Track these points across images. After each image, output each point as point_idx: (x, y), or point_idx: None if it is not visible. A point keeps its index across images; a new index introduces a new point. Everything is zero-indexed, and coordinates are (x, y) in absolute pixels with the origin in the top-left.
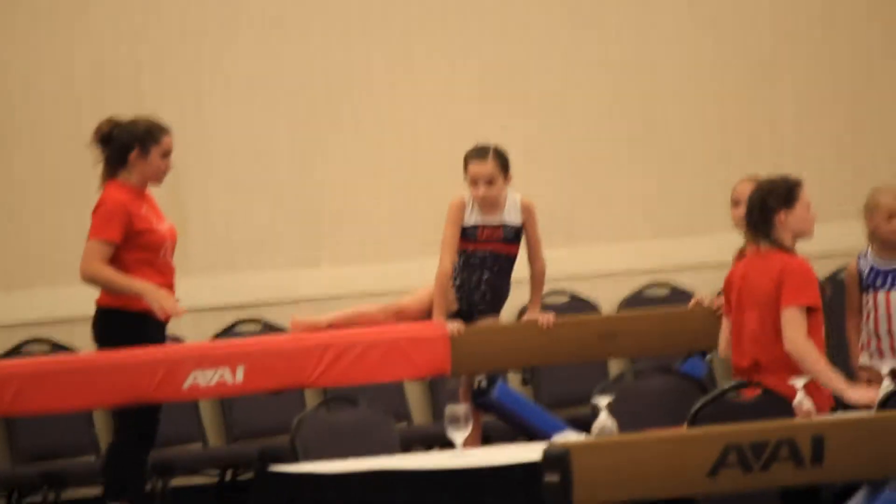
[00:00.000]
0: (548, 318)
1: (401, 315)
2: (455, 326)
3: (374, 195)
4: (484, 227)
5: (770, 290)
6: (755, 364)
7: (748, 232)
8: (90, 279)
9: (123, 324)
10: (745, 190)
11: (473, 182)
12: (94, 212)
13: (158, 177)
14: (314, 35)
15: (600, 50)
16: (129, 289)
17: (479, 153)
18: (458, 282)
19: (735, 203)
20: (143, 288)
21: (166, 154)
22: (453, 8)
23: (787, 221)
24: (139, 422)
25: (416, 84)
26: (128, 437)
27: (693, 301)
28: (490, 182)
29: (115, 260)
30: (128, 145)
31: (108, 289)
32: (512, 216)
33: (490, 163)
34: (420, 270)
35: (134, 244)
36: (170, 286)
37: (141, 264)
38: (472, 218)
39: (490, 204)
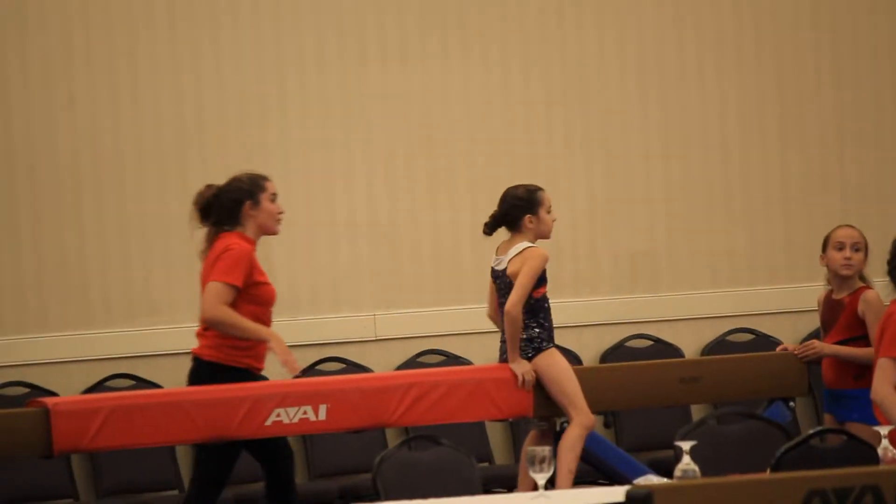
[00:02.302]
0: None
1: None
2: (526, 370)
3: (454, 236)
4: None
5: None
6: None
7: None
8: (215, 320)
9: (227, 379)
10: (861, 236)
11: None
12: (220, 256)
13: (274, 222)
14: (392, 70)
15: (691, 103)
16: (257, 334)
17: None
18: (547, 324)
19: (852, 248)
20: (272, 335)
21: (274, 198)
22: (535, 57)
23: None
24: (219, 469)
25: (494, 124)
26: (201, 486)
27: (780, 348)
28: None
29: (234, 307)
30: (238, 200)
31: (233, 331)
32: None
33: None
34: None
35: (249, 295)
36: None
37: (251, 316)
38: None
39: None
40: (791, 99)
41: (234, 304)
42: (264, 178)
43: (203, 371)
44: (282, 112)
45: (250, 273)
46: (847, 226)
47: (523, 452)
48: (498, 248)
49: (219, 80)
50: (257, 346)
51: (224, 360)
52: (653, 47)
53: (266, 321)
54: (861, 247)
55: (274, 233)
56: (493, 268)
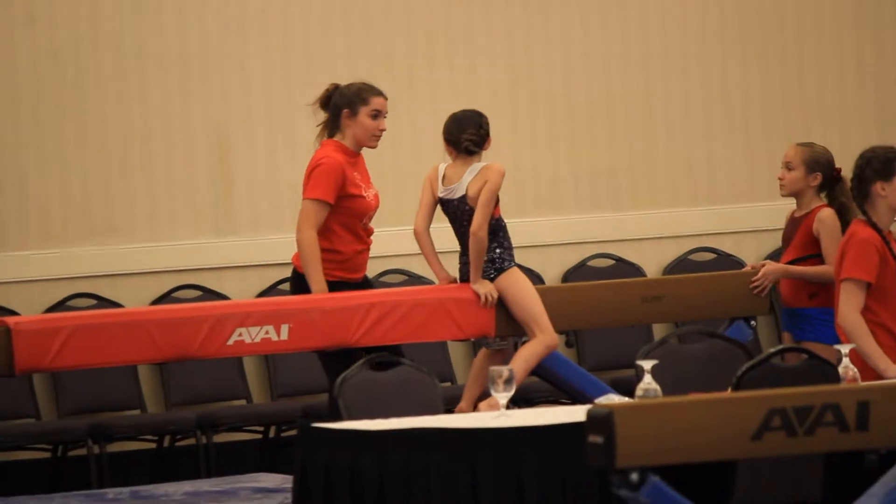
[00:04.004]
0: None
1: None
2: (488, 289)
3: (413, 155)
4: None
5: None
6: None
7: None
8: (299, 243)
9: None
10: (796, 155)
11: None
12: (311, 171)
13: (369, 138)
14: None
15: (650, 20)
16: (310, 280)
17: None
18: (507, 244)
19: (785, 167)
20: (318, 293)
21: (376, 115)
22: None
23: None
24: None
25: (454, 46)
26: None
27: (748, 267)
28: None
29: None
30: (338, 106)
31: (302, 261)
32: None
33: None
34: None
35: (340, 207)
36: (366, 251)
37: (342, 227)
38: None
39: None
40: (751, 14)
41: (326, 217)
42: (371, 92)
43: (296, 281)
44: (241, 27)
45: (343, 186)
46: (795, 145)
47: (473, 366)
48: (444, 176)
49: None
50: (354, 258)
51: None
52: None
53: (359, 232)
54: (795, 165)
55: (370, 146)
56: (441, 198)
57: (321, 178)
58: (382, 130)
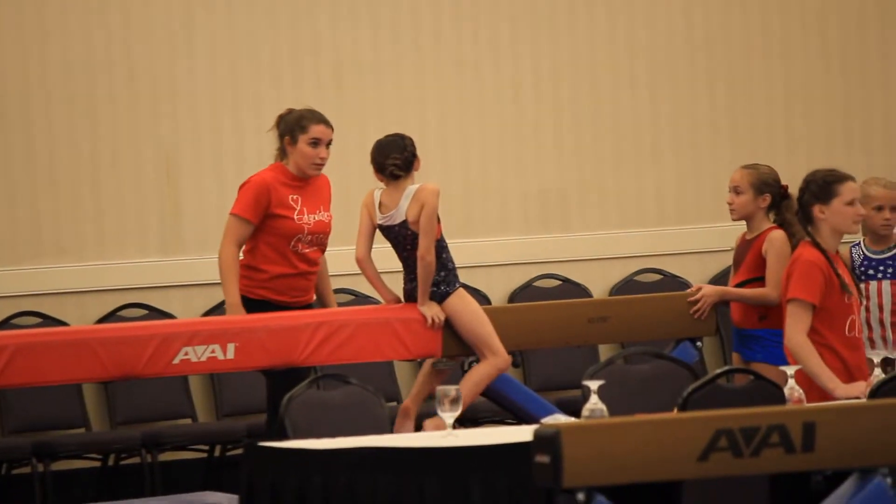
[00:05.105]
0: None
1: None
2: (435, 312)
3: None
4: None
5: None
6: None
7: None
8: (219, 255)
9: (248, 309)
10: (743, 178)
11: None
12: (239, 188)
13: (308, 165)
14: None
15: (599, 40)
16: (224, 294)
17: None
18: (451, 265)
19: (733, 191)
20: (229, 307)
21: (316, 143)
22: None
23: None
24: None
25: (403, 64)
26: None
27: (695, 287)
28: None
29: (251, 238)
30: (282, 134)
31: (219, 271)
32: None
33: None
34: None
35: (266, 226)
36: (296, 276)
37: (268, 247)
38: None
39: None
40: (700, 37)
41: (254, 233)
42: (311, 120)
43: (243, 303)
44: (188, 48)
45: (267, 205)
46: (740, 168)
47: (417, 381)
48: (380, 203)
49: (125, 17)
50: (279, 280)
51: (243, 291)
52: None
53: (287, 254)
54: (742, 189)
55: (311, 174)
56: (381, 224)
57: (244, 195)
58: (323, 158)
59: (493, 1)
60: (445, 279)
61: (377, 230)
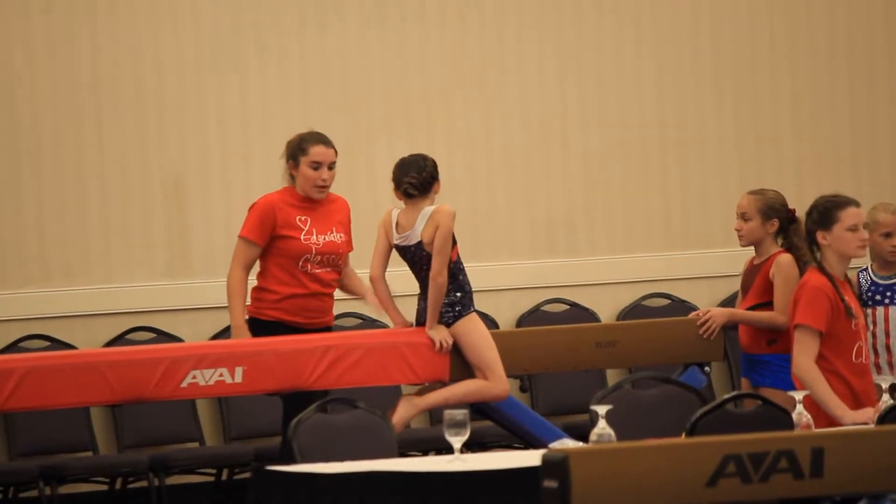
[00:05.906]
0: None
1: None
2: (443, 336)
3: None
4: None
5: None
6: None
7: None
8: (228, 278)
9: (257, 332)
10: (750, 204)
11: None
12: (248, 210)
13: (311, 188)
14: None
15: (606, 66)
16: (230, 316)
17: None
18: (468, 287)
19: (741, 217)
20: (234, 329)
21: (317, 166)
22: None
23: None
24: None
25: (411, 89)
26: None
27: (694, 313)
28: None
29: (262, 259)
30: (287, 159)
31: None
32: None
33: None
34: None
35: (274, 247)
36: (308, 296)
37: (278, 268)
38: None
39: None
40: (707, 63)
41: (262, 254)
42: (312, 142)
43: (251, 325)
44: (197, 72)
45: (273, 227)
46: (747, 194)
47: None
48: (397, 223)
49: (134, 41)
50: (290, 300)
51: (252, 312)
52: (570, 13)
53: (296, 275)
54: (750, 215)
55: (314, 197)
56: (397, 245)
57: (250, 218)
58: (325, 180)
59: (501, 27)
60: (461, 300)
61: (393, 250)
